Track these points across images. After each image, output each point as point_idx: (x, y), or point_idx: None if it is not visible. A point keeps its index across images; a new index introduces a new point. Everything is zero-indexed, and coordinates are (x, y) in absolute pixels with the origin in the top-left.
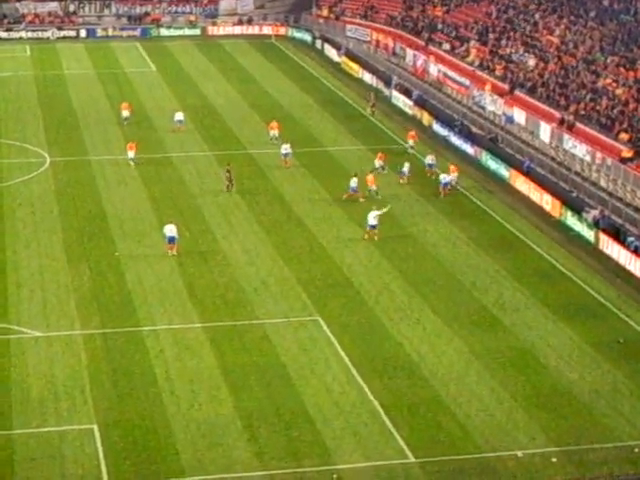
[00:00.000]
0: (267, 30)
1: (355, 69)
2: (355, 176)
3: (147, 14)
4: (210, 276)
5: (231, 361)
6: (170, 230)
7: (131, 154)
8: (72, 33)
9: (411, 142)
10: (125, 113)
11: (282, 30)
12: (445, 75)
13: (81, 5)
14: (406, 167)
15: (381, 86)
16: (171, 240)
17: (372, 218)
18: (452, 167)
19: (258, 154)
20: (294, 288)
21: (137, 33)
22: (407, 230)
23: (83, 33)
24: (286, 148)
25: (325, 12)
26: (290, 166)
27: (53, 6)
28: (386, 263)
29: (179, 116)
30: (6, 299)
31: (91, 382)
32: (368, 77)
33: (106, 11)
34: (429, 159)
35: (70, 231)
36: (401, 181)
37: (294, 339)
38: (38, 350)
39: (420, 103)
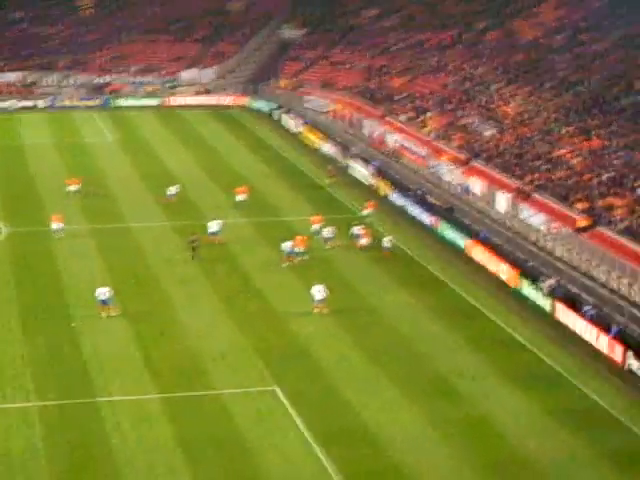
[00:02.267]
0: (227, 100)
1: (314, 140)
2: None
3: (108, 84)
4: (167, 346)
5: (189, 432)
6: (103, 293)
7: (55, 225)
8: (32, 103)
9: (368, 211)
10: (73, 187)
11: (242, 100)
12: (402, 145)
13: (41, 75)
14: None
15: (339, 157)
16: (104, 302)
17: (317, 292)
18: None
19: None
20: (251, 358)
21: (97, 103)
22: (364, 299)
23: (43, 103)
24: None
25: (283, 83)
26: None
27: (12, 77)
28: (343, 332)
29: (172, 190)
30: None
31: (47, 455)
32: (327, 147)
33: (66, 82)
34: (355, 230)
35: (26, 302)
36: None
37: (252, 410)
38: None
39: (378, 173)
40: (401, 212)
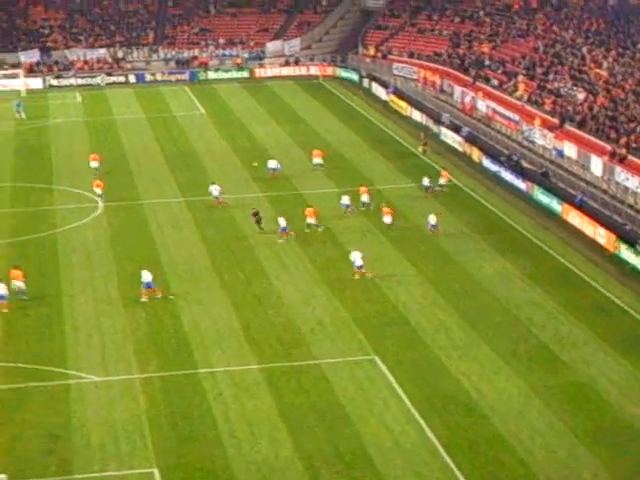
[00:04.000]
0: (314, 70)
1: (403, 107)
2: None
3: (195, 58)
4: (265, 317)
5: (289, 402)
6: (146, 276)
7: (98, 191)
8: (121, 79)
9: (443, 181)
10: (94, 164)
11: (329, 70)
12: (494, 111)
13: (129, 51)
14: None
15: (430, 124)
16: (148, 286)
17: (358, 259)
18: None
19: (309, 194)
20: (349, 327)
21: (185, 77)
22: (462, 266)
23: (132, 78)
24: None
25: (372, 51)
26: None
27: (102, 52)
28: (441, 300)
29: (273, 164)
30: (64, 345)
31: (150, 426)
32: (417, 115)
33: (154, 56)
34: (345, 199)
35: (125, 275)
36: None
37: (352, 379)
38: (97, 395)
39: (470, 139)
40: (494, 178)
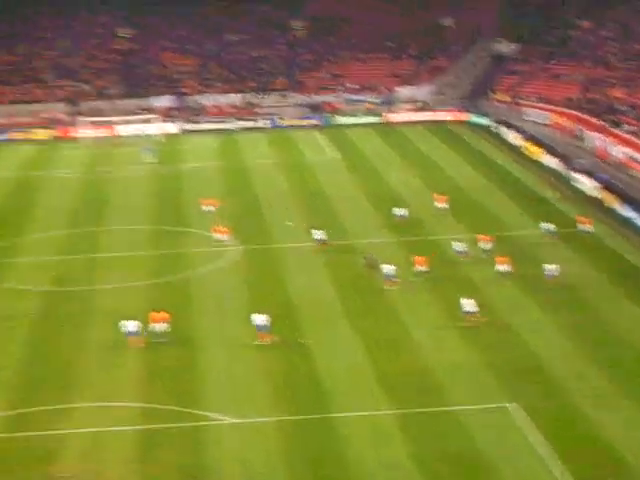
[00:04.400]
0: (445, 116)
1: (535, 152)
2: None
3: (326, 103)
4: (398, 362)
5: (423, 448)
6: (259, 319)
7: (218, 236)
8: (253, 124)
9: (585, 227)
10: (209, 208)
11: (459, 115)
12: (629, 157)
13: (261, 96)
14: None
15: (563, 169)
16: (260, 329)
17: (469, 305)
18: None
19: (442, 240)
20: (484, 373)
21: (316, 122)
22: (597, 314)
23: (263, 123)
24: None
25: (502, 96)
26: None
27: (234, 98)
28: (577, 348)
29: (400, 211)
30: (199, 386)
31: (285, 469)
32: (549, 160)
33: (285, 101)
34: (460, 246)
35: None
36: None
37: (487, 426)
38: (232, 437)
39: (604, 185)
40: (630, 225)
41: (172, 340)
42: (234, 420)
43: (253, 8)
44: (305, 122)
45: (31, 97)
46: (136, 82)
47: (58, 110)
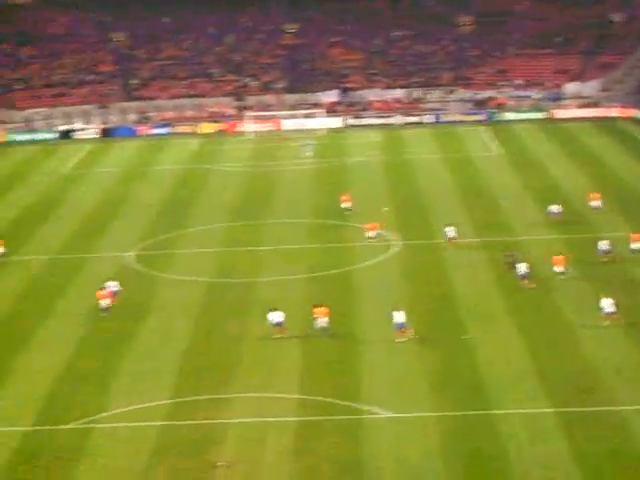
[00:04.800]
0: (613, 112)
1: None
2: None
3: (491, 98)
4: (561, 361)
5: (585, 449)
6: (277, 316)
7: (371, 234)
8: (418, 119)
9: None
10: (346, 205)
11: (630, 112)
12: None
13: (426, 91)
14: None
15: None
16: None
17: (609, 305)
18: None
19: (589, 238)
20: None
21: (481, 117)
22: None
23: (428, 119)
24: None
25: None
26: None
27: (399, 93)
28: None
29: (555, 209)
30: (359, 379)
31: (444, 465)
32: None
33: (451, 97)
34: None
35: (420, 313)
36: None
37: None
38: (390, 431)
39: None
40: None
41: (334, 334)
42: (392, 414)
43: (419, 3)
44: (470, 118)
45: (197, 91)
46: (301, 77)
47: (224, 104)
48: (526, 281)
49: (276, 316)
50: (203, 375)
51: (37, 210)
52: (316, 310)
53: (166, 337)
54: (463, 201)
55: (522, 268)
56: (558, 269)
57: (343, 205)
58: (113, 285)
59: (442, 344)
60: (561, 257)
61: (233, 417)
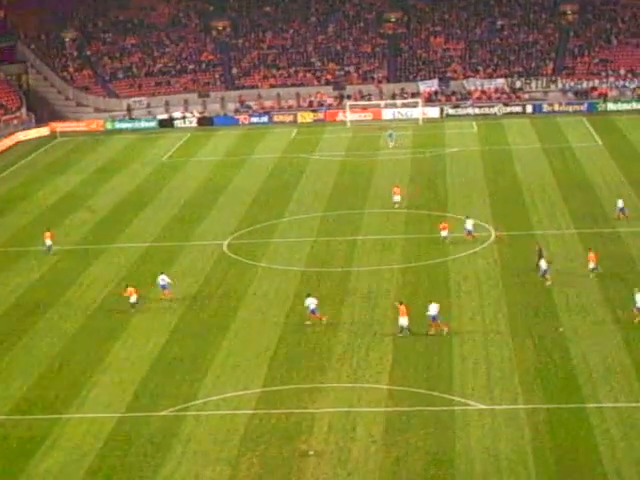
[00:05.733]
0: None
1: None
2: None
3: (594, 89)
4: None
5: None
6: (312, 302)
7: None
8: (518, 109)
9: None
10: (396, 198)
11: None
12: None
13: (527, 81)
14: None
15: None
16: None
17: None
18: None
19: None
20: None
21: (583, 108)
22: None
23: (529, 108)
24: None
25: None
26: None
27: (500, 82)
28: None
29: (620, 203)
30: (451, 371)
31: (535, 458)
32: None
33: (552, 86)
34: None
35: (515, 305)
36: None
37: None
38: (482, 423)
39: None
40: None
41: (424, 325)
42: (484, 406)
43: None
44: (571, 108)
45: (297, 80)
46: (402, 66)
47: (325, 93)
48: (544, 278)
49: (311, 302)
50: (295, 364)
51: (136, 198)
52: (400, 308)
53: (259, 326)
54: (563, 192)
55: (542, 265)
56: (590, 265)
57: (394, 198)
58: (162, 279)
59: (537, 334)
60: (592, 255)
61: (323, 406)
